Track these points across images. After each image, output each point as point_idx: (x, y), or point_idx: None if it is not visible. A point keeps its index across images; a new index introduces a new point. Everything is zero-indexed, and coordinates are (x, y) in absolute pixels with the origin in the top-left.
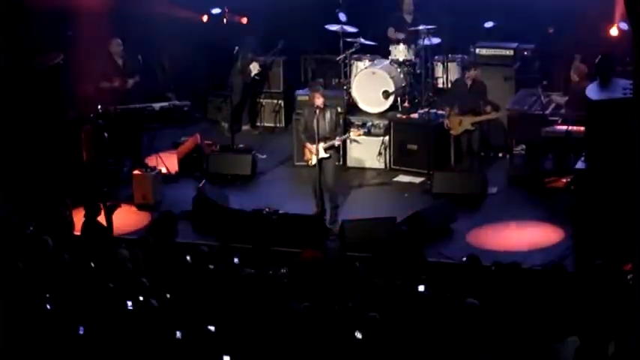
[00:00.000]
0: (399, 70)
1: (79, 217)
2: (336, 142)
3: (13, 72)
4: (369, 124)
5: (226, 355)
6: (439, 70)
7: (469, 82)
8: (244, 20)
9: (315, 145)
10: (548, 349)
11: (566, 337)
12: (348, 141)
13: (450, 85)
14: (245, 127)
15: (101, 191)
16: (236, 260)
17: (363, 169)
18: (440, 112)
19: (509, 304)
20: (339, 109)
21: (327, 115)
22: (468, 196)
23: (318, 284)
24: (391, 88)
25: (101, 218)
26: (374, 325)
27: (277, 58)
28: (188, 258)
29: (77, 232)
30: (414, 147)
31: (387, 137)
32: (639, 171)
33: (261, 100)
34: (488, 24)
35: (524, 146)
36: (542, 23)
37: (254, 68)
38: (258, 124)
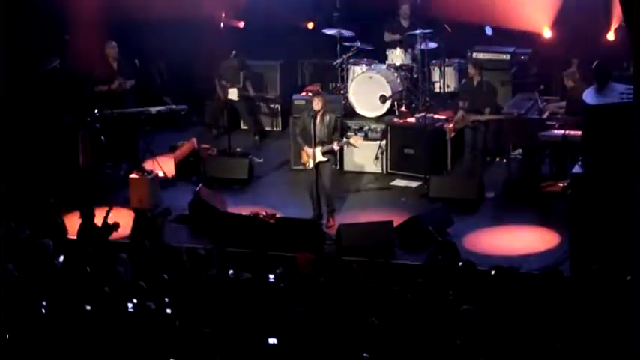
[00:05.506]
0: (396, 74)
1: (74, 222)
2: (335, 147)
3: (9, 76)
4: (366, 128)
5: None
6: (436, 74)
7: (476, 81)
8: (241, 25)
9: (312, 149)
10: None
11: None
12: (345, 146)
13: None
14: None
15: (94, 194)
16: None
17: (360, 174)
18: (437, 116)
19: (506, 309)
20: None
21: (326, 119)
22: (464, 201)
23: (314, 288)
24: (388, 93)
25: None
26: (372, 331)
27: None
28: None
29: (70, 236)
30: (411, 151)
31: (384, 141)
32: (638, 175)
33: (259, 104)
34: (489, 31)
35: (520, 151)
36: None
37: (232, 94)
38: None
